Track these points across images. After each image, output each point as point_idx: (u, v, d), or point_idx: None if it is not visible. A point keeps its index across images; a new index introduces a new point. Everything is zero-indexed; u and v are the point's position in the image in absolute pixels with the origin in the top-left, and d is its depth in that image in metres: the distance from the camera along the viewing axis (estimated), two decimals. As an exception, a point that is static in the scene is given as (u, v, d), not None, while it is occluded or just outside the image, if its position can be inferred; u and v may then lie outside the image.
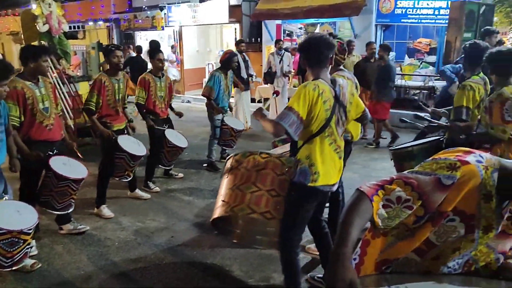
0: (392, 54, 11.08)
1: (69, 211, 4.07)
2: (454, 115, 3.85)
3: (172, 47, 14.40)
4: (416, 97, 9.54)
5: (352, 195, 1.41)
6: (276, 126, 2.66)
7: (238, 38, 11.51)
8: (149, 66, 5.85)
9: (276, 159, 3.18)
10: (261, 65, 12.23)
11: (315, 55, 2.78)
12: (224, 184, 3.33)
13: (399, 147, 4.20)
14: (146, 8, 15.02)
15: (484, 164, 1.40)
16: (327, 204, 3.78)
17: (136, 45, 13.72)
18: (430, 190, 1.37)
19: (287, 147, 3.56)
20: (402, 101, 9.91)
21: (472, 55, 3.81)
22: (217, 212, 3.30)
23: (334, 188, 2.98)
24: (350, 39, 9.22)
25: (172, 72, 13.82)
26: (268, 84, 9.80)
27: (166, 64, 13.76)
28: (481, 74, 3.82)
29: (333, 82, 2.82)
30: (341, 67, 3.74)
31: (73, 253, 3.93)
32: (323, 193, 2.90)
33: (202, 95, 6.36)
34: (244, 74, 8.41)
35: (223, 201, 3.27)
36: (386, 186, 1.39)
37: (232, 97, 8.99)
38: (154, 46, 7.52)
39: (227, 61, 6.21)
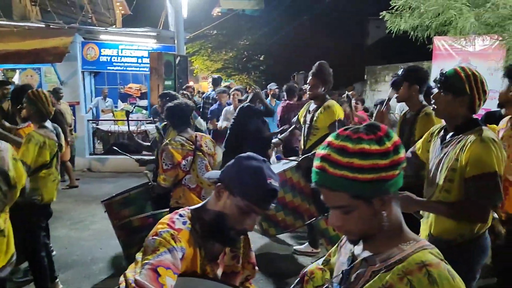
0: (96, 99, 11.09)
1: None
2: None
3: None
4: (126, 141, 9.75)
5: None
6: None
7: None
8: None
9: None
10: None
11: None
12: None
13: (110, 197, 4.14)
14: None
15: (186, 219, 1.54)
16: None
17: None
18: (177, 264, 1.38)
19: None
20: (119, 146, 9.97)
21: None
22: None
23: (3, 274, 2.59)
24: (57, 86, 8.74)
25: None
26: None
27: None
28: None
29: None
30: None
31: None
32: None
33: None
34: None
35: None
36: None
37: None
38: None
39: None
